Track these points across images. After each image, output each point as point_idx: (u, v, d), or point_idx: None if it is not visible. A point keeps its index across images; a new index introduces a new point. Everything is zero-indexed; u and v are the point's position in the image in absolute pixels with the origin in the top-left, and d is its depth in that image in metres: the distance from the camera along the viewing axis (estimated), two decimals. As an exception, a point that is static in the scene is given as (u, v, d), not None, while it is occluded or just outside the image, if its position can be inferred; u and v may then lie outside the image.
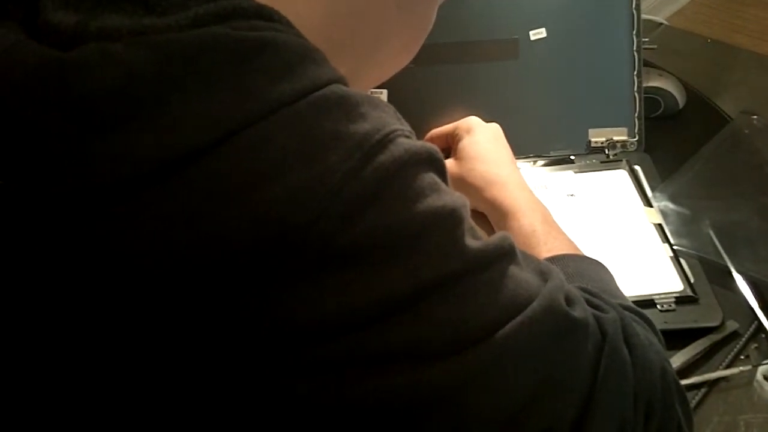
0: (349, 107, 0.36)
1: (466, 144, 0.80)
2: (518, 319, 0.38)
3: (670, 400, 0.45)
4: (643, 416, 0.43)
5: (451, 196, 0.38)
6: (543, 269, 0.44)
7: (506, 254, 0.40)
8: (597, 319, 0.43)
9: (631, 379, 0.43)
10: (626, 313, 0.48)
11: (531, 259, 0.44)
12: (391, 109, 0.39)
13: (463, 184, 0.78)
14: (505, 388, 0.38)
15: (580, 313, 0.42)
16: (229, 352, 0.34)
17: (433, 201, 0.36)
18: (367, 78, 0.52)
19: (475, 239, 0.39)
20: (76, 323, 0.34)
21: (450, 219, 0.37)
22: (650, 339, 0.47)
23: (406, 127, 0.38)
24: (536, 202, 0.73)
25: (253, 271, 0.33)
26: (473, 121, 0.82)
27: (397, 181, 0.35)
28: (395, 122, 0.38)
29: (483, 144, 0.80)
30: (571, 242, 0.68)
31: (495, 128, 0.82)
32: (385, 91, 0.90)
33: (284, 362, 0.34)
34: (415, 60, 0.52)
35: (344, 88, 0.37)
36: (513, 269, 0.40)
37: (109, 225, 0.33)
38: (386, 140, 0.36)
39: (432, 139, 0.85)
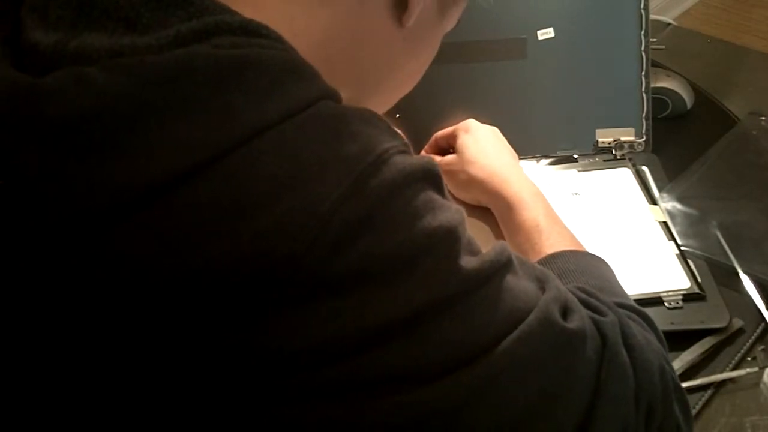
0: (338, 127, 0.35)
1: (467, 140, 0.81)
2: (514, 334, 0.38)
3: (669, 401, 0.45)
4: (644, 417, 0.43)
5: (446, 214, 0.37)
6: (540, 276, 0.43)
7: (503, 267, 0.39)
8: (596, 323, 0.43)
9: (632, 382, 0.43)
10: (623, 311, 0.48)
11: (528, 266, 0.44)
12: (384, 122, 0.38)
13: (467, 177, 0.79)
14: (504, 404, 0.38)
15: (576, 323, 0.41)
16: (222, 377, 0.33)
17: (428, 222, 0.35)
18: (370, 106, 0.52)
19: (472, 255, 0.38)
20: (63, 345, 0.32)
21: (445, 240, 0.36)
22: (648, 338, 0.47)
23: (399, 142, 0.36)
24: (539, 195, 0.74)
25: (242, 300, 0.32)
26: (471, 122, 0.84)
27: (390, 205, 0.34)
28: (388, 139, 0.36)
29: (483, 140, 0.81)
30: (573, 237, 0.68)
31: (493, 128, 0.84)
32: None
33: (281, 387, 0.33)
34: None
35: (333, 104, 0.36)
36: (510, 280, 0.39)
37: (90, 253, 0.31)
38: (378, 162, 0.34)
39: (436, 141, 0.87)
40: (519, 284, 0.40)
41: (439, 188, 0.38)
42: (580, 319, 0.42)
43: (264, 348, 0.33)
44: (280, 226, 0.32)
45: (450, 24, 0.51)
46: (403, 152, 0.36)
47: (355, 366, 0.34)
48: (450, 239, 0.36)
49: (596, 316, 0.44)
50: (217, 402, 0.33)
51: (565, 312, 0.42)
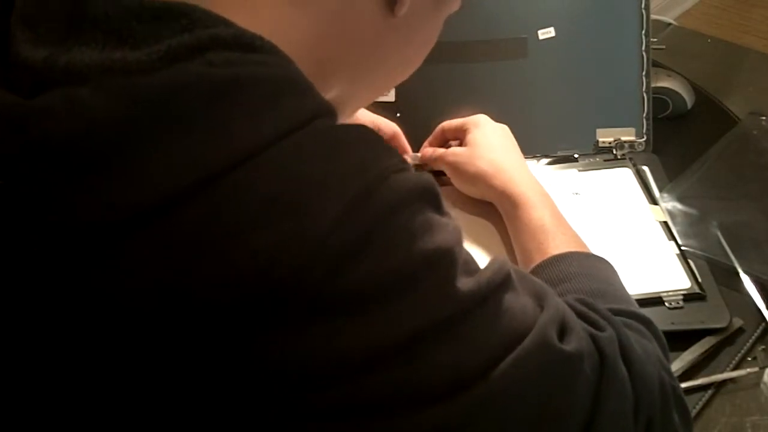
0: (335, 146, 0.35)
1: (477, 134, 0.81)
2: (512, 356, 0.38)
3: (668, 411, 0.45)
4: (643, 429, 0.43)
5: (443, 234, 0.36)
6: (539, 292, 0.43)
7: (501, 285, 0.39)
8: (593, 339, 0.43)
9: (631, 396, 0.43)
10: (623, 319, 0.48)
11: (527, 280, 0.44)
12: (381, 139, 0.38)
13: (474, 170, 0.78)
14: (502, 425, 0.38)
15: (574, 344, 0.41)
16: (221, 396, 0.33)
17: (424, 244, 0.35)
18: (365, 94, 0.51)
19: (469, 276, 0.38)
20: (61, 367, 0.32)
21: (442, 262, 0.36)
22: (647, 348, 0.47)
23: (397, 160, 0.36)
24: (544, 194, 0.74)
25: (240, 320, 0.32)
26: (482, 117, 0.84)
27: (387, 226, 0.34)
28: (386, 157, 0.36)
29: (492, 136, 0.81)
30: (578, 238, 0.68)
31: (503, 126, 0.84)
32: (392, 90, 0.90)
33: (280, 407, 0.33)
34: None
35: (329, 123, 0.36)
36: (508, 298, 0.39)
37: (85, 274, 0.31)
38: (376, 182, 0.34)
39: (443, 132, 0.86)
40: (517, 302, 0.40)
41: (436, 206, 0.38)
42: (577, 339, 0.42)
43: (262, 368, 0.33)
44: (279, 247, 0.32)
45: (448, 9, 0.50)
46: (401, 170, 0.36)
47: (355, 387, 0.34)
48: (447, 260, 0.36)
49: (594, 332, 0.44)
50: (218, 421, 0.33)
51: (563, 332, 0.42)
